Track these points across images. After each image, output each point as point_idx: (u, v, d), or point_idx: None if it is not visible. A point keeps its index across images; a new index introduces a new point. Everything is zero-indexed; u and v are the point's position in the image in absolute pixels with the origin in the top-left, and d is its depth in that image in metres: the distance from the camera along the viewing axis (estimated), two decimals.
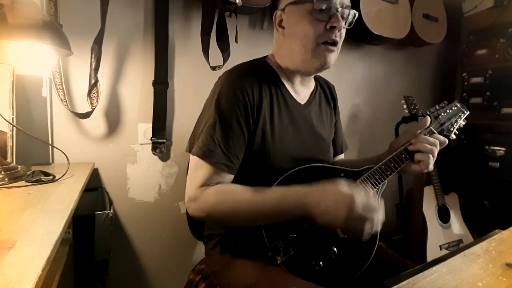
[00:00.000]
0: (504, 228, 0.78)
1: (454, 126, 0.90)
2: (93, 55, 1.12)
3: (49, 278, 0.71)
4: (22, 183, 0.80)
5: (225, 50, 1.34)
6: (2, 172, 0.80)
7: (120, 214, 1.30)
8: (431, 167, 0.80)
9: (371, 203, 0.62)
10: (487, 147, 1.97)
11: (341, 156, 1.07)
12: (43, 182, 0.81)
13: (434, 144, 0.80)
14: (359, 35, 1.72)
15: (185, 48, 1.36)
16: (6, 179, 0.79)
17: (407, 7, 1.78)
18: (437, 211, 1.82)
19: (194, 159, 0.76)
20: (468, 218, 1.91)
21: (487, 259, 0.61)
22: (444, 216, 1.84)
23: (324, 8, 0.75)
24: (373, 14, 1.61)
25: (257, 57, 0.91)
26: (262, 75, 0.81)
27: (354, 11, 0.80)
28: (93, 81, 1.13)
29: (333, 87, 1.03)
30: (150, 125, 1.29)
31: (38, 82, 1.07)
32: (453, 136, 0.89)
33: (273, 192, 0.72)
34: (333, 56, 0.79)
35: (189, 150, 0.79)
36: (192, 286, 0.91)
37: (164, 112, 1.31)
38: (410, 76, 2.19)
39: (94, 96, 1.15)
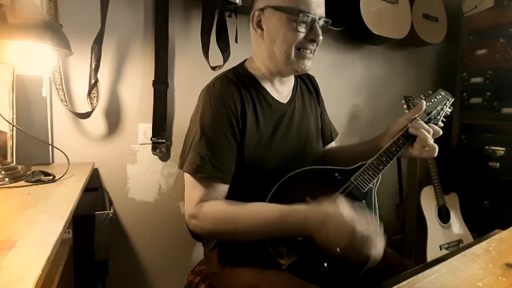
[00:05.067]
0: (504, 228, 0.78)
1: (441, 114, 0.90)
2: (93, 55, 1.12)
3: (49, 278, 0.71)
4: (22, 183, 0.80)
5: (225, 50, 1.34)
6: (2, 172, 0.80)
7: (120, 214, 1.29)
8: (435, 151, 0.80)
9: (372, 233, 0.63)
10: (487, 147, 1.97)
11: (332, 144, 1.08)
12: (43, 182, 0.81)
13: (428, 131, 0.81)
14: (359, 35, 1.72)
15: (185, 48, 1.36)
16: (6, 179, 0.79)
17: (407, 7, 1.78)
18: (437, 211, 1.82)
19: (187, 176, 0.78)
20: (468, 218, 1.91)
21: (487, 259, 0.61)
22: (444, 216, 1.84)
23: (306, 20, 0.78)
24: (373, 14, 1.61)
25: (243, 61, 0.93)
26: (241, 83, 0.83)
27: (329, 20, 0.82)
28: (93, 81, 1.13)
29: (313, 77, 1.04)
30: (150, 125, 1.29)
31: (38, 82, 1.06)
32: (441, 124, 0.89)
33: (274, 211, 0.72)
34: (310, 62, 0.83)
35: (181, 166, 0.80)
36: (192, 287, 0.91)
37: (164, 112, 1.31)
38: (410, 76, 2.19)
39: (94, 96, 1.15)
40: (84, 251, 0.98)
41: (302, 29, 0.78)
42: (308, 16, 0.77)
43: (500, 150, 1.91)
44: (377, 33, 1.62)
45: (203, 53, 1.32)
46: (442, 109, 0.91)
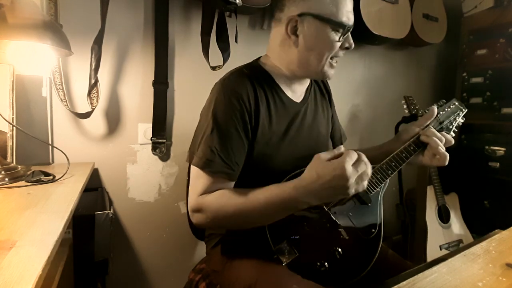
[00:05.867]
0: (504, 228, 0.78)
1: (453, 124, 0.90)
2: (93, 55, 1.12)
3: (49, 278, 0.71)
4: (22, 183, 0.80)
5: (225, 50, 1.34)
6: (2, 172, 0.80)
7: (120, 214, 1.30)
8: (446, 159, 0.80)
9: (359, 160, 0.64)
10: (487, 147, 1.97)
11: (341, 148, 1.07)
12: (43, 182, 0.81)
13: (440, 139, 0.81)
14: (359, 35, 1.72)
15: (185, 48, 1.36)
16: (6, 179, 0.79)
17: (407, 7, 1.78)
18: (437, 211, 1.82)
19: (194, 169, 0.76)
20: (468, 218, 1.91)
21: (487, 259, 0.61)
22: (444, 216, 1.84)
23: (346, 31, 0.78)
24: (373, 14, 1.61)
25: (257, 58, 0.91)
26: (256, 80, 0.81)
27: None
28: (93, 81, 1.13)
29: (326, 80, 1.03)
30: (150, 125, 1.29)
31: (38, 82, 1.06)
32: (452, 134, 0.89)
33: (272, 189, 0.69)
34: (334, 71, 0.84)
35: (189, 160, 0.79)
36: (192, 285, 0.91)
37: (164, 112, 1.31)
38: (410, 76, 2.19)
39: (94, 96, 1.15)
40: (84, 251, 0.98)
41: (341, 39, 0.79)
42: (349, 26, 0.78)
43: (500, 150, 1.91)
44: (377, 33, 1.62)
45: (203, 53, 1.31)
46: (455, 119, 0.90)
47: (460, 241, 1.84)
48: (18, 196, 0.70)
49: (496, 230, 0.77)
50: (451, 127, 0.89)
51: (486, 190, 1.98)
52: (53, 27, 0.80)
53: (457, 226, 1.86)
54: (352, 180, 0.61)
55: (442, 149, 0.79)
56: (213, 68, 1.33)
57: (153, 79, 1.28)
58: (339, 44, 0.79)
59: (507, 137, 1.90)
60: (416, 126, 0.86)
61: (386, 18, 1.67)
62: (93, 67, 1.12)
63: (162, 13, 1.26)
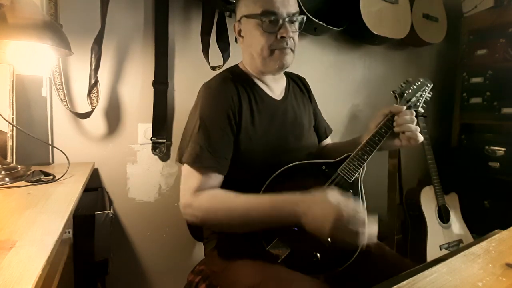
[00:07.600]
0: (504, 228, 0.77)
1: (420, 100, 0.94)
2: (93, 55, 1.12)
3: (49, 278, 0.71)
4: (22, 183, 0.80)
5: (225, 50, 1.34)
6: (2, 172, 0.80)
7: (120, 214, 1.30)
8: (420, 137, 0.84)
9: (358, 217, 0.65)
10: (487, 147, 1.97)
11: (328, 140, 1.12)
12: (43, 182, 0.81)
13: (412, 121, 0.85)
14: (359, 35, 1.72)
15: (185, 48, 1.36)
16: (6, 179, 0.79)
17: (407, 7, 1.78)
18: (437, 211, 1.82)
19: (185, 167, 0.81)
20: (468, 218, 1.91)
21: (487, 259, 0.60)
22: (444, 216, 1.84)
23: (271, 20, 0.82)
24: (373, 14, 1.61)
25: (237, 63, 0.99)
26: (237, 81, 0.88)
27: (302, 16, 0.86)
28: (93, 81, 1.13)
29: (304, 79, 1.09)
30: (150, 125, 1.29)
31: (38, 82, 1.06)
32: (421, 110, 0.93)
33: (266, 200, 0.75)
34: (289, 57, 0.87)
35: (179, 159, 0.84)
36: (192, 287, 0.91)
37: (164, 112, 1.31)
38: (410, 76, 2.18)
39: (94, 96, 1.15)
40: (84, 251, 0.98)
41: (270, 29, 0.82)
42: (271, 15, 0.81)
43: (500, 150, 1.91)
44: (377, 33, 1.62)
45: (203, 53, 1.32)
46: (421, 95, 0.94)
47: (460, 241, 1.84)
48: (18, 196, 0.70)
49: (496, 230, 0.77)
50: (418, 103, 0.93)
51: (486, 190, 1.98)
52: (53, 27, 0.80)
53: (457, 226, 1.86)
54: (345, 215, 0.65)
55: (416, 131, 0.83)
56: (213, 68, 1.33)
57: (153, 79, 1.28)
58: (272, 35, 0.82)
59: (507, 137, 1.90)
60: (381, 115, 0.92)
61: (386, 18, 1.67)
62: (93, 67, 1.12)
63: (162, 13, 1.26)
